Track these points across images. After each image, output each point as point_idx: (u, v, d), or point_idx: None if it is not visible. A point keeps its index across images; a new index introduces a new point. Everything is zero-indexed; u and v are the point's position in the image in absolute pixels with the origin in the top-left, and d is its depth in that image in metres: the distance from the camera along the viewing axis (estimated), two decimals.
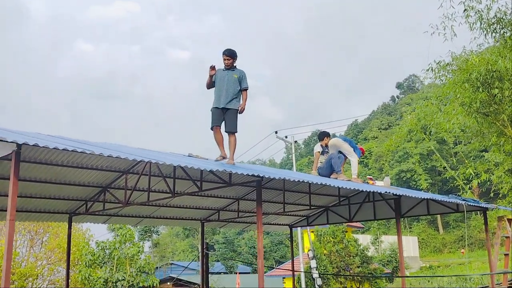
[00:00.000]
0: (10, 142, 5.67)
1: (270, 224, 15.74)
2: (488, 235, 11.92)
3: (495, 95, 15.23)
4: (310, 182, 8.72)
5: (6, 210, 10.93)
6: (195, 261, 34.30)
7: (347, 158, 11.83)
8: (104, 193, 11.08)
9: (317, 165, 11.91)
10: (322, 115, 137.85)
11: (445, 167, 28.72)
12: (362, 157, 12.22)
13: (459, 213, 12.64)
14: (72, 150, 5.92)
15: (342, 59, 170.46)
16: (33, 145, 5.62)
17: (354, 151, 11.90)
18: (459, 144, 64.48)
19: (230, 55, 8.99)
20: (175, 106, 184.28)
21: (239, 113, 8.91)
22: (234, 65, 9.05)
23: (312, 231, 27.58)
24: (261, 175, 7.60)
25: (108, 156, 6.26)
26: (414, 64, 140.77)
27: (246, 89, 9.03)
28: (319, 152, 11.99)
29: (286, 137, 26.83)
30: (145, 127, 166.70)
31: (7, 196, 10.09)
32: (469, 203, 10.78)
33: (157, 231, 50.56)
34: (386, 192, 9.78)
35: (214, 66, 8.93)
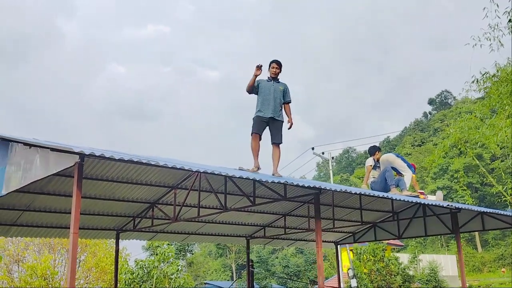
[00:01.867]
0: (76, 153, 5.56)
1: (314, 241, 15.34)
2: None
3: None
4: (375, 195, 8.41)
5: (57, 227, 11.11)
6: (235, 279, 33.87)
7: (400, 174, 11.61)
8: (152, 209, 10.95)
9: (367, 179, 11.58)
10: (353, 132, 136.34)
11: (490, 182, 27.79)
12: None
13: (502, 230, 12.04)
14: (136, 162, 5.79)
15: (372, 74, 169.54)
16: (99, 156, 5.50)
17: (408, 167, 11.67)
18: (495, 160, 63.08)
19: (280, 64, 8.88)
20: (206, 123, 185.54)
21: (289, 128, 8.81)
22: (278, 77, 8.92)
23: (351, 249, 27.01)
24: (322, 187, 7.36)
25: (171, 167, 6.08)
26: (446, 79, 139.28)
27: (290, 102, 8.95)
28: (371, 166, 11.66)
29: (323, 153, 26.49)
30: (176, 145, 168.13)
31: (58, 212, 10.33)
32: None
33: (191, 250, 50.42)
34: (448, 205, 9.37)
35: (261, 65, 8.52)
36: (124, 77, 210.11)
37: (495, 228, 12.42)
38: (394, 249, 38.95)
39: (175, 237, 13.44)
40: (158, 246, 24.89)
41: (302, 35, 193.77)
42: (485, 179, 69.72)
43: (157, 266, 23.28)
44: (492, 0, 16.15)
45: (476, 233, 61.05)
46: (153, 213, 10.93)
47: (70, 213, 10.10)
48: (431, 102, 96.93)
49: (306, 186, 7.27)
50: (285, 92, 8.86)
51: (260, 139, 8.68)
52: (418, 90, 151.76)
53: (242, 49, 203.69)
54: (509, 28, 16.86)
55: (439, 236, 62.84)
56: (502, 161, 63.84)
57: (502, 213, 10.30)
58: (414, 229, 13.76)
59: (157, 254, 23.79)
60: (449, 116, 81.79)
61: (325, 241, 15.73)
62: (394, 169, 11.48)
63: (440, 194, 12.11)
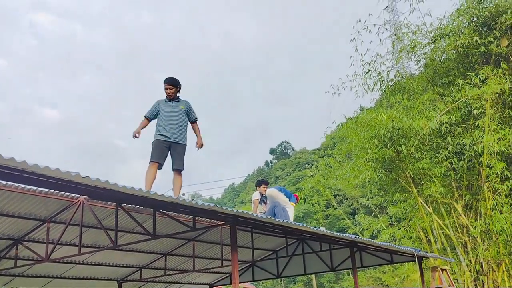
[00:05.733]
0: None
1: (189, 283, 14.35)
2: (424, 286, 11.84)
3: (401, 151, 15.83)
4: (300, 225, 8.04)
5: None
6: None
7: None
8: (16, 247, 9.15)
9: (256, 213, 11.18)
10: (198, 178, 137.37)
11: (347, 224, 29.26)
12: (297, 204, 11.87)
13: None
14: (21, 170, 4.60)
15: (217, 125, 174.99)
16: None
17: (290, 199, 11.52)
18: (329, 207, 67.59)
19: (172, 83, 8.10)
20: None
21: (199, 148, 8.17)
22: (178, 95, 8.19)
23: None
24: (239, 214, 6.73)
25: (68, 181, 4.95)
26: (285, 131, 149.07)
27: (196, 121, 8.27)
28: (258, 199, 11.34)
29: (183, 194, 25.76)
30: None
31: None
32: (418, 252, 10.71)
33: None
34: (356, 238, 9.33)
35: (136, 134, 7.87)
36: None
37: (372, 265, 12.79)
38: None
39: (35, 282, 11.42)
40: None
41: (149, 83, 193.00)
42: (319, 223, 74.14)
43: None
44: (357, 50, 17.56)
45: (313, 276, 64.14)
46: (17, 251, 9.14)
47: None
48: (272, 151, 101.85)
49: (223, 212, 6.58)
50: (188, 111, 8.14)
51: (159, 167, 7.81)
52: (259, 141, 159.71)
53: (87, 91, 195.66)
54: (364, 79, 18.32)
55: (280, 280, 64.75)
56: (335, 208, 68.75)
57: (398, 247, 10.52)
58: (293, 268, 13.61)
59: None
60: (289, 165, 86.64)
61: (198, 283, 14.83)
62: None
63: (323, 230, 12.19)
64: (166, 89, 8.08)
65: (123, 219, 8.67)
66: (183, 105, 8.07)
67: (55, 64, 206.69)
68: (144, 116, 8.08)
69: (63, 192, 7.79)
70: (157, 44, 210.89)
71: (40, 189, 7.49)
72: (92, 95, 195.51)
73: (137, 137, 7.89)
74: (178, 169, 7.85)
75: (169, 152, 7.88)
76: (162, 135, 7.80)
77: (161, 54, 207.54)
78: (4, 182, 7.05)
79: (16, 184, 7.20)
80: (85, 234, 9.25)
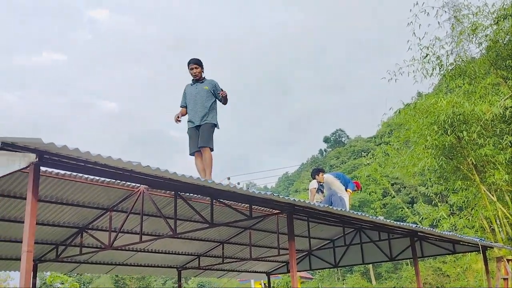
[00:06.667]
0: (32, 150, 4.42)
1: (247, 271, 14.50)
2: (489, 277, 11.42)
3: (462, 138, 15.27)
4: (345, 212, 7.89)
5: None
6: None
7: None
8: (81, 235, 9.51)
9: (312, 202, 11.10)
10: (252, 167, 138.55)
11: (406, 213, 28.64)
12: (357, 191, 11.65)
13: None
14: (104, 164, 4.72)
15: (270, 113, 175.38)
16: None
17: (348, 186, 11.32)
18: (387, 196, 66.32)
19: (198, 63, 7.98)
20: None
21: (222, 98, 7.80)
22: (203, 75, 8.05)
23: (265, 283, 26.32)
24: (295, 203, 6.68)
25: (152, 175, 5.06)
26: (339, 119, 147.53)
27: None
28: (315, 188, 11.24)
29: (238, 183, 25.99)
30: None
31: None
32: (483, 241, 10.33)
33: None
34: (416, 227, 9.09)
35: (178, 116, 7.87)
36: (15, 106, 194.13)
37: (433, 255, 12.45)
38: (303, 282, 38.91)
39: (99, 269, 11.88)
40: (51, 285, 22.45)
41: None
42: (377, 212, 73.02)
43: None
44: (414, 33, 17.00)
45: (371, 265, 63.33)
46: (81, 239, 9.50)
47: None
48: (326, 140, 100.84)
49: (279, 200, 6.53)
50: (213, 90, 7.87)
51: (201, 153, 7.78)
52: (313, 129, 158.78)
53: (140, 81, 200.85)
54: (422, 64, 17.69)
55: (336, 269, 64.31)
56: (393, 197, 67.41)
57: (462, 237, 10.20)
58: (350, 257, 13.46)
59: None
60: (343, 153, 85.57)
61: (255, 272, 14.94)
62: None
63: (381, 219, 11.97)
64: (191, 69, 7.95)
65: (182, 208, 8.81)
66: (207, 85, 7.89)
67: (111, 57, 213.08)
68: (180, 107, 8.11)
69: (124, 182, 7.95)
70: (209, 34, 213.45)
71: (103, 179, 7.71)
72: (147, 87, 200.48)
73: (179, 121, 7.84)
74: (202, 146, 7.54)
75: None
76: (190, 121, 7.82)
77: (213, 43, 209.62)
78: (69, 173, 7.29)
79: (80, 174, 7.44)
80: (145, 223, 9.46)
